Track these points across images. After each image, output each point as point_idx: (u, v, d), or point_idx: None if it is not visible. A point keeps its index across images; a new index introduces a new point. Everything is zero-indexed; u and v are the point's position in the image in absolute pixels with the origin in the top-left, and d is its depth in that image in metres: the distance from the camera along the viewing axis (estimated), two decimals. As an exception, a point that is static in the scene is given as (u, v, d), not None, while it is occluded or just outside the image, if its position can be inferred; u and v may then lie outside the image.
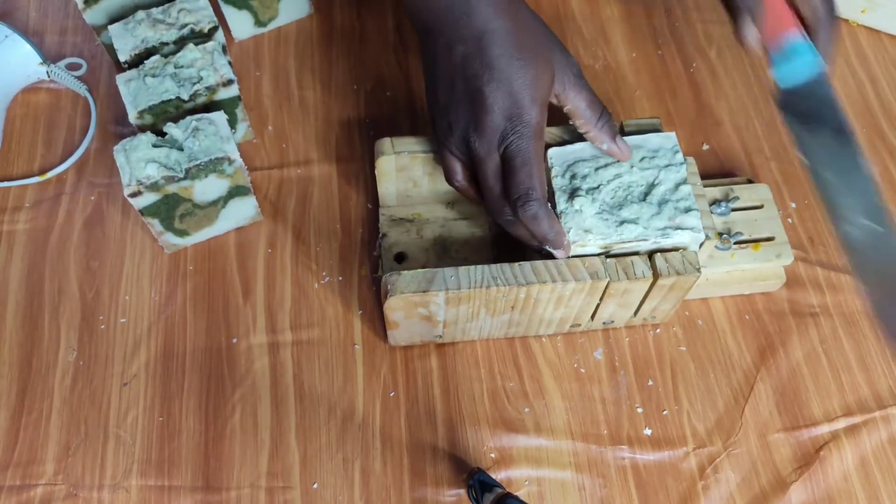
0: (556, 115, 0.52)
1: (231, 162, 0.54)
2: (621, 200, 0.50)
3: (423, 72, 0.52)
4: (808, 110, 0.49)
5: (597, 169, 0.51)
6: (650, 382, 0.56)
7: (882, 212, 0.46)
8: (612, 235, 0.49)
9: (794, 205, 0.63)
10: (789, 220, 0.62)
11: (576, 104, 0.51)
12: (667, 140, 0.52)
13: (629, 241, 0.49)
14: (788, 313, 0.59)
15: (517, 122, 0.48)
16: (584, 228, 0.49)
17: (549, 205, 0.49)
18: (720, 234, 0.57)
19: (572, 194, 0.50)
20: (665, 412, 0.55)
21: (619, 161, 0.51)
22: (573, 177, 0.51)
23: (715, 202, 0.58)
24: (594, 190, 0.51)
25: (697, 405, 0.55)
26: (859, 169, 0.47)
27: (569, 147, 0.52)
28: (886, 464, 0.54)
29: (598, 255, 0.50)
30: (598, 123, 0.51)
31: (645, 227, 0.49)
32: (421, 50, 0.52)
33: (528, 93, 0.48)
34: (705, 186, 0.56)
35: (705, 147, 0.65)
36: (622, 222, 0.50)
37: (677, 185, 0.51)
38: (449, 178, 0.53)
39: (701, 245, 0.51)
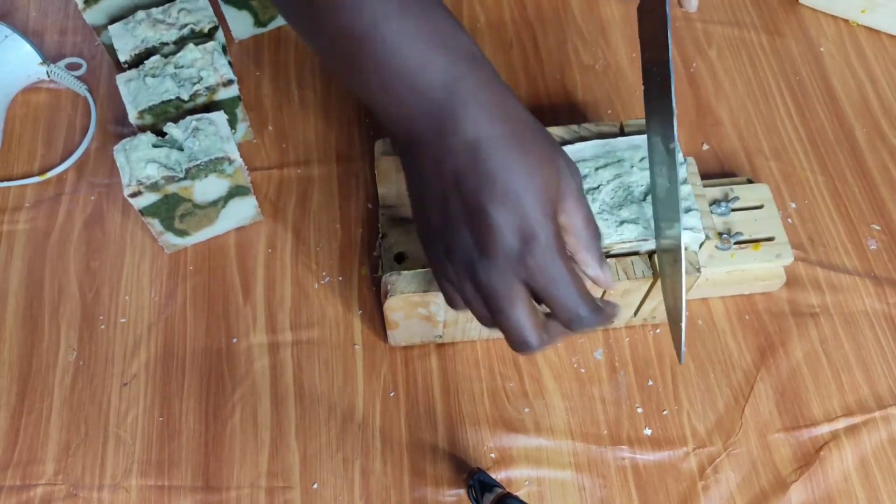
0: (556, 116, 0.52)
1: (231, 162, 0.54)
2: (621, 201, 0.50)
3: (406, 189, 0.45)
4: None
5: (597, 169, 0.51)
6: (650, 382, 0.56)
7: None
8: (612, 236, 0.49)
9: (793, 205, 0.63)
10: (789, 220, 0.62)
11: (573, 220, 0.43)
12: None
13: (629, 242, 0.49)
14: (788, 313, 0.59)
15: (533, 243, 0.40)
16: None
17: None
18: (720, 234, 0.57)
19: None
20: (665, 412, 0.55)
21: (619, 161, 0.51)
22: None
23: (715, 202, 0.58)
24: (594, 190, 0.51)
25: (697, 405, 0.55)
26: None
27: (568, 147, 0.52)
28: (886, 464, 0.54)
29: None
30: (591, 244, 0.44)
31: (645, 227, 0.49)
32: (403, 165, 0.44)
33: (540, 206, 0.40)
34: (705, 186, 0.56)
35: (705, 147, 0.65)
36: (622, 222, 0.49)
37: None
38: (452, 306, 0.45)
39: (701, 245, 0.51)
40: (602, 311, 0.42)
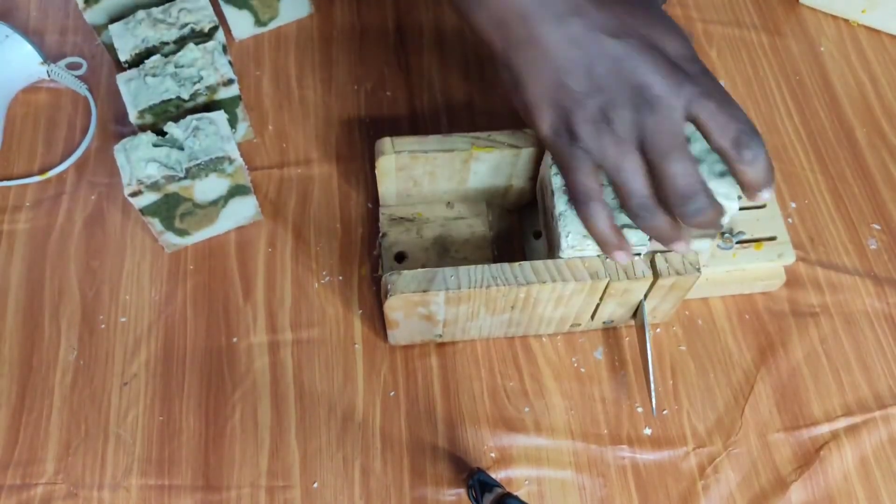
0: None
1: (231, 161, 0.54)
2: (619, 204, 0.50)
3: (509, 69, 0.45)
4: None
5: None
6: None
7: None
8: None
9: (794, 205, 0.63)
10: (789, 220, 0.62)
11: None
12: None
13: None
14: (788, 313, 0.59)
15: (691, 80, 0.42)
16: (583, 233, 0.48)
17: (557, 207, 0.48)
18: (722, 234, 0.57)
19: None
20: (665, 412, 0.55)
21: None
22: None
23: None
24: None
25: (697, 405, 0.55)
26: None
27: None
28: (886, 464, 0.54)
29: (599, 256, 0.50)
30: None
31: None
32: (509, 68, 0.45)
33: (684, 50, 0.43)
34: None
35: (705, 147, 0.65)
36: (623, 226, 0.48)
37: None
38: (582, 179, 0.46)
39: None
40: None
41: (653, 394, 0.52)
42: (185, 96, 0.55)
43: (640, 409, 0.55)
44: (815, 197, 0.63)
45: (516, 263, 0.49)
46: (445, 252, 0.58)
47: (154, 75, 0.55)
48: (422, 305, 0.50)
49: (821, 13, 0.73)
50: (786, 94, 0.68)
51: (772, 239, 0.57)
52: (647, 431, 0.54)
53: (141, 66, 0.55)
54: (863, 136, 0.67)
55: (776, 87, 0.69)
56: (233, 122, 0.60)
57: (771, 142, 0.66)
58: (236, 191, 0.57)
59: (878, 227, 0.62)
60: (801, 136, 0.66)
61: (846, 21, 0.73)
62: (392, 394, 0.55)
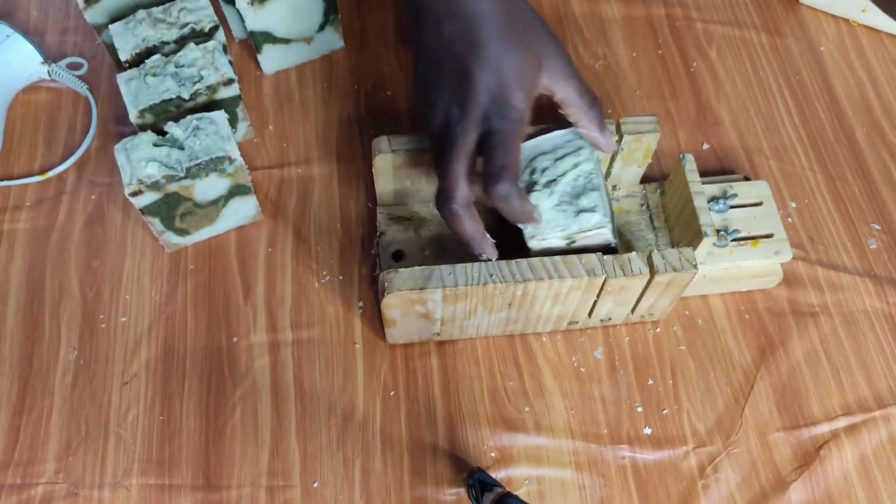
0: (557, 115, 0.52)
1: (232, 161, 0.54)
2: (580, 189, 0.50)
3: (410, 52, 0.52)
4: None
5: (556, 160, 0.51)
6: (650, 381, 0.56)
7: None
8: (571, 226, 0.49)
9: (794, 204, 0.63)
10: (789, 219, 0.62)
11: (566, 94, 0.50)
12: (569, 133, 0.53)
13: (588, 231, 0.49)
14: (788, 312, 0.59)
15: (501, 105, 0.47)
16: (542, 222, 0.50)
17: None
18: (717, 231, 0.57)
19: (529, 190, 0.51)
20: (665, 411, 0.55)
21: (578, 150, 0.52)
22: (532, 171, 0.52)
23: (713, 199, 0.58)
24: (552, 182, 0.51)
25: (697, 404, 0.55)
26: None
27: (529, 142, 0.52)
28: (886, 463, 0.54)
29: (563, 247, 0.50)
30: (589, 112, 0.50)
31: (603, 214, 0.50)
32: (410, 29, 0.52)
33: (516, 78, 0.47)
34: (703, 184, 0.56)
35: (705, 146, 0.65)
36: (580, 211, 0.50)
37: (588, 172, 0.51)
38: (434, 161, 0.51)
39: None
40: (522, 192, 0.48)
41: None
42: (186, 96, 0.55)
43: (640, 409, 0.55)
44: (815, 197, 0.63)
45: (513, 261, 0.49)
46: (443, 251, 0.58)
47: (154, 75, 0.55)
48: (419, 303, 0.50)
49: (821, 13, 0.73)
50: (786, 94, 0.68)
51: (769, 236, 0.57)
52: (647, 431, 0.54)
53: (141, 66, 0.55)
54: (863, 136, 0.67)
55: (776, 87, 0.69)
56: (233, 122, 0.60)
57: (771, 141, 0.66)
58: (236, 190, 0.57)
59: (878, 227, 0.62)
60: (801, 136, 0.66)
61: (846, 21, 0.73)
62: (392, 393, 0.55)
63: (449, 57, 0.48)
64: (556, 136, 0.52)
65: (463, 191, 0.47)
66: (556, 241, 0.50)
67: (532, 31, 0.49)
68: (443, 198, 0.48)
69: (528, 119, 0.49)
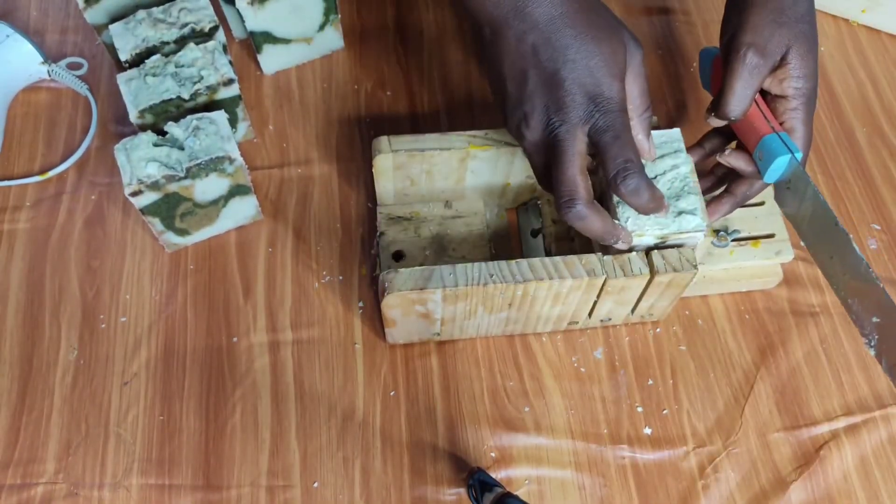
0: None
1: (232, 161, 0.54)
2: (678, 191, 0.50)
3: (487, 72, 0.51)
4: (795, 196, 0.51)
5: (654, 160, 0.51)
6: (650, 382, 0.56)
7: (868, 270, 0.47)
8: (670, 226, 0.49)
9: (794, 204, 0.63)
10: (789, 219, 0.62)
11: (631, 89, 0.49)
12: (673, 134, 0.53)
13: (686, 232, 0.49)
14: (788, 313, 0.59)
15: (600, 98, 0.47)
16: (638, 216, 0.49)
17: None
18: (717, 232, 0.57)
19: None
20: (665, 411, 0.55)
21: (676, 152, 0.51)
22: None
23: (714, 200, 0.58)
24: (652, 180, 0.50)
25: (697, 404, 0.55)
26: (843, 239, 0.48)
27: None
28: (886, 463, 0.54)
29: (653, 247, 0.50)
30: (642, 115, 0.50)
31: (703, 218, 0.49)
32: (484, 48, 0.50)
33: (607, 69, 0.47)
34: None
35: (705, 147, 0.65)
36: (680, 213, 0.49)
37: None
38: (537, 176, 0.51)
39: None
40: (651, 182, 0.47)
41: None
42: (186, 96, 0.55)
43: (640, 409, 0.55)
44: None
45: (513, 261, 0.49)
46: (443, 251, 0.58)
47: (154, 75, 0.55)
48: (419, 303, 0.50)
49: (821, 13, 0.73)
50: (786, 94, 0.68)
51: (770, 236, 0.57)
52: (647, 431, 0.54)
53: (141, 66, 0.55)
54: (863, 136, 0.67)
55: (776, 87, 0.69)
56: (233, 122, 0.60)
57: (771, 142, 0.66)
58: (236, 190, 0.57)
59: (878, 227, 0.62)
60: (801, 136, 0.66)
61: (846, 21, 0.73)
62: (392, 393, 0.55)
63: (536, 68, 0.48)
64: (655, 135, 0.52)
65: (584, 191, 0.47)
66: (650, 238, 0.49)
67: (611, 26, 0.49)
68: (566, 203, 0.47)
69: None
